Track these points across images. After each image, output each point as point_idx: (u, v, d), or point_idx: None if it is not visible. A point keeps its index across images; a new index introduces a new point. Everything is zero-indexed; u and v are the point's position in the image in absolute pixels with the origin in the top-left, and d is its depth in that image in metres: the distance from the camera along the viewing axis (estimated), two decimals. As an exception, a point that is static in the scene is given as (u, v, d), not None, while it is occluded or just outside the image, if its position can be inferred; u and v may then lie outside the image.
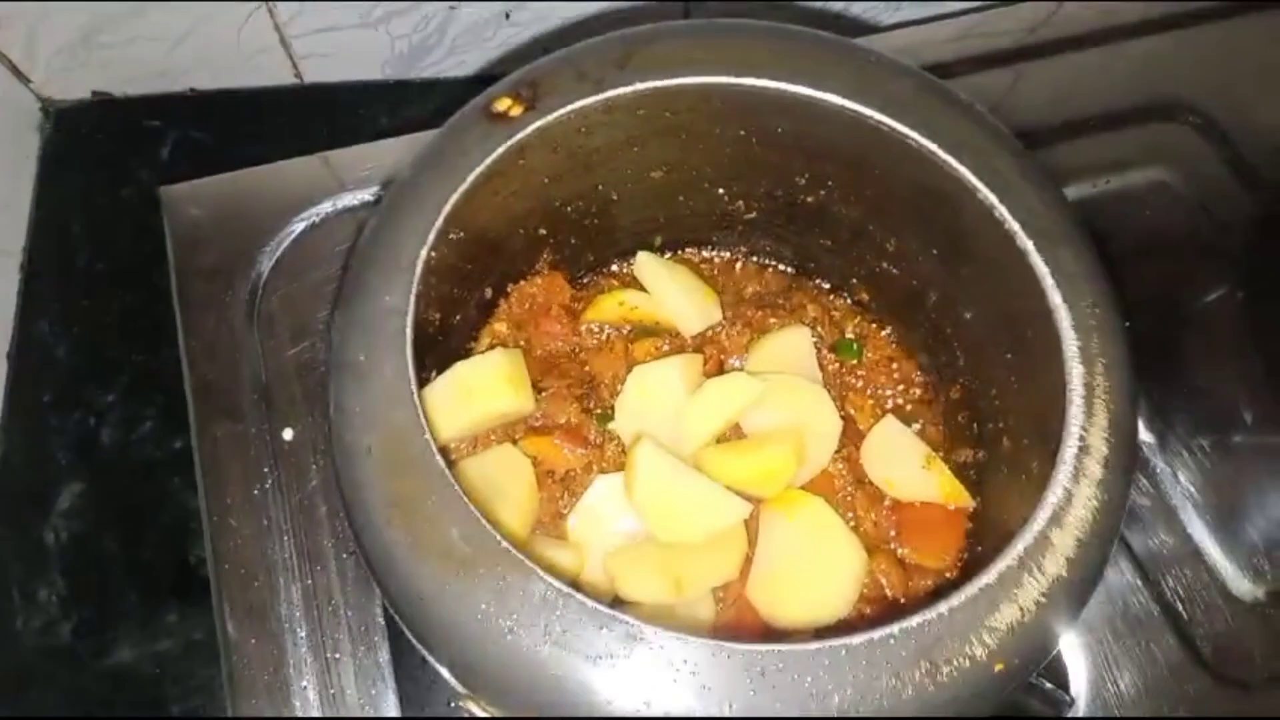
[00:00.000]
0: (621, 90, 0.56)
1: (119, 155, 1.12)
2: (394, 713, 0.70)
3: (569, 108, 0.56)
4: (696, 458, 0.64)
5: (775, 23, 0.59)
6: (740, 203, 0.72)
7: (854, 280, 0.74)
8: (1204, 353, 0.86)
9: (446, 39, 1.11)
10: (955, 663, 0.45)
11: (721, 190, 0.71)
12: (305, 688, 0.71)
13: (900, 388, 0.73)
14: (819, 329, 0.73)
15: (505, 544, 0.46)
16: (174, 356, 0.99)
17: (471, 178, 0.54)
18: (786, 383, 0.67)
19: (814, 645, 0.44)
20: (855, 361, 0.73)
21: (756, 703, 0.44)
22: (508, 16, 1.08)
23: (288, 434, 0.77)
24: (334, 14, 1.05)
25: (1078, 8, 0.96)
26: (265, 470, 0.76)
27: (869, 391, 0.72)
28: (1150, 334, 0.81)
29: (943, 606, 0.46)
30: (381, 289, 0.51)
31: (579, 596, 0.45)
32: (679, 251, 0.77)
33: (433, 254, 0.55)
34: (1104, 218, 0.86)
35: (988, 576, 0.46)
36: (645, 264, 0.73)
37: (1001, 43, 0.96)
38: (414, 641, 0.48)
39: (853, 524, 0.67)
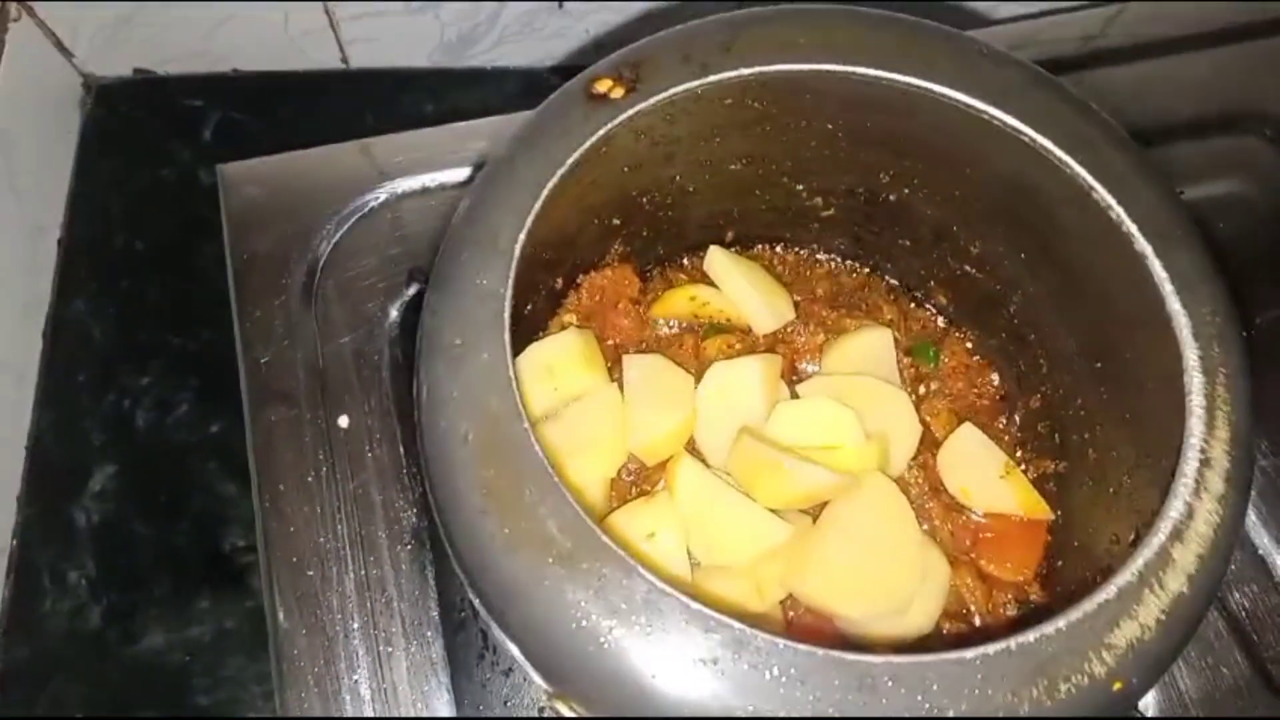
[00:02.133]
0: (727, 74, 0.54)
1: (160, 134, 1.10)
2: (447, 711, 0.68)
3: (673, 90, 0.54)
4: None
5: (880, 10, 0.57)
6: (818, 199, 0.70)
7: (932, 283, 0.72)
8: (1273, 368, 0.84)
9: (497, 28, 1.10)
10: (1073, 680, 0.43)
11: (800, 186, 0.69)
12: (357, 681, 0.69)
13: (977, 395, 0.71)
14: (895, 331, 0.71)
15: (606, 538, 0.44)
16: (211, 340, 0.98)
17: (571, 160, 0.52)
18: (866, 386, 0.65)
19: (929, 657, 0.42)
20: (932, 367, 0.71)
21: (866, 716, 0.42)
22: (561, 5, 1.06)
23: (343, 421, 0.75)
24: (384, -1, 1.04)
25: (1138, 17, 0.94)
26: (320, 457, 0.74)
27: (945, 397, 0.70)
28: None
29: (1060, 621, 0.44)
30: (478, 271, 0.49)
31: (683, 598, 0.43)
32: (751, 247, 0.75)
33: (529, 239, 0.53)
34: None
35: (1106, 592, 0.44)
36: (716, 259, 0.71)
37: (1060, 50, 0.94)
38: (503, 638, 0.47)
39: (928, 533, 0.65)
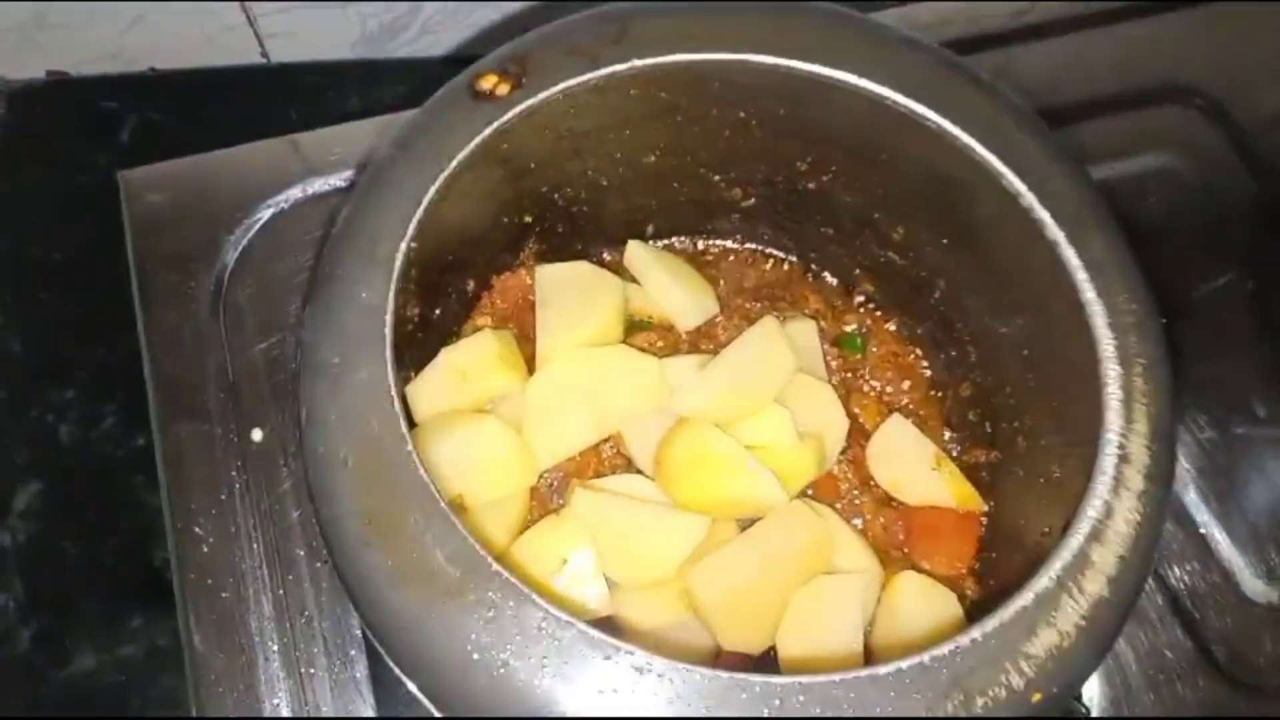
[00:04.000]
0: (617, 68, 0.52)
1: (75, 139, 1.06)
2: (373, 730, 0.66)
3: (560, 86, 0.51)
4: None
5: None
6: (737, 189, 0.68)
7: (857, 271, 0.70)
8: (1211, 342, 0.83)
9: (420, 18, 1.06)
10: (990, 693, 0.41)
11: (718, 176, 0.67)
12: (278, 705, 0.67)
13: (906, 384, 0.69)
14: (821, 322, 0.69)
15: (497, 566, 0.42)
16: (135, 351, 0.95)
17: (455, 163, 0.49)
18: (794, 380, 0.63)
19: (839, 675, 0.41)
20: (859, 356, 0.69)
21: (776, 739, 0.40)
22: (476, -4, 1.03)
23: (256, 434, 0.72)
24: (303, -9, 1.00)
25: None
26: (233, 473, 0.71)
27: (874, 388, 0.68)
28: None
29: (975, 632, 0.42)
30: (357, 284, 0.47)
31: (580, 625, 0.41)
32: (672, 240, 0.73)
33: (413, 245, 0.51)
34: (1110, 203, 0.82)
35: (1023, 599, 0.43)
36: (636, 254, 0.69)
37: (988, 26, 0.92)
38: (398, 672, 0.44)
39: (860, 528, 0.63)
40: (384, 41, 1.08)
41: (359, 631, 0.68)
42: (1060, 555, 0.43)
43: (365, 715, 0.66)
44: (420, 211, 0.48)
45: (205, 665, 0.67)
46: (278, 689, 0.67)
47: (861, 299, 0.71)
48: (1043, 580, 0.43)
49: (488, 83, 0.51)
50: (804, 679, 0.40)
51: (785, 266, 0.72)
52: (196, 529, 0.70)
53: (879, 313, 0.71)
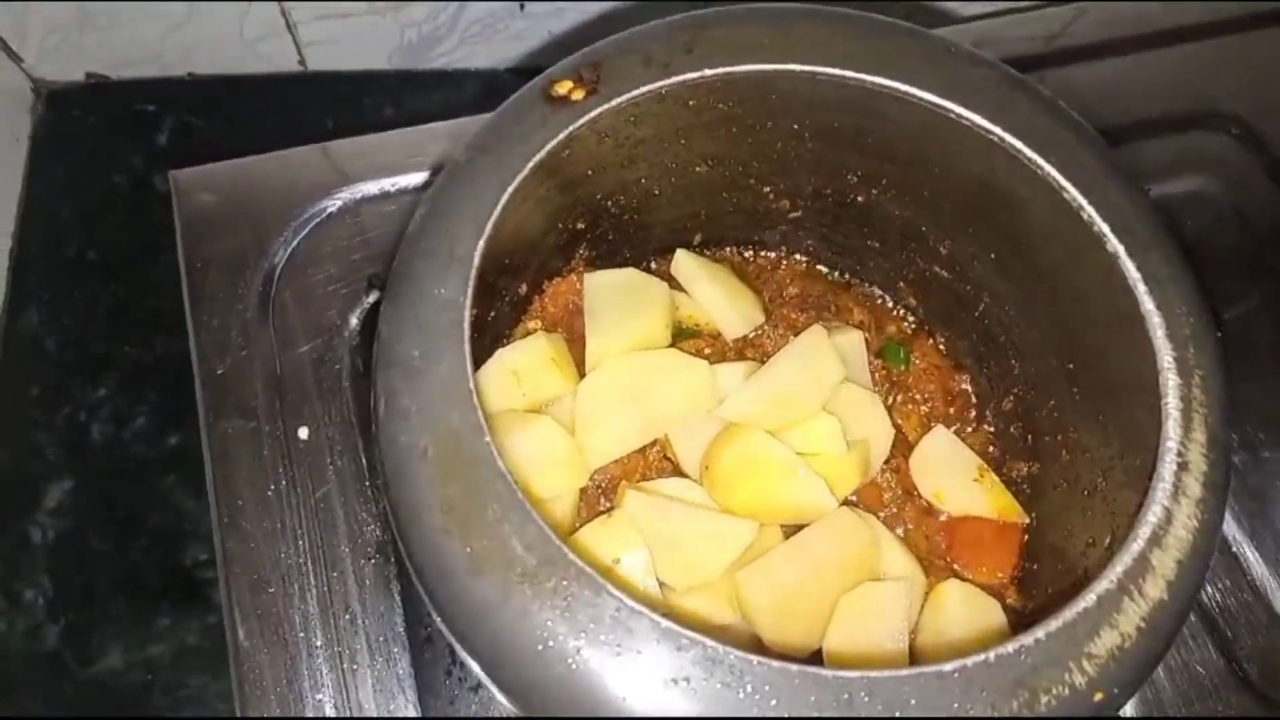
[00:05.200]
0: (689, 75, 0.53)
1: (113, 140, 1.08)
2: (415, 728, 0.67)
3: (635, 92, 0.52)
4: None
5: (846, 9, 0.56)
6: (785, 200, 0.69)
7: (901, 284, 0.71)
8: (1243, 365, 0.84)
9: (458, 29, 1.08)
10: (1054, 691, 0.42)
11: (767, 188, 0.68)
12: (321, 701, 0.67)
13: (949, 397, 0.70)
14: (866, 334, 0.70)
15: (573, 555, 0.43)
16: (167, 351, 0.96)
17: (531, 165, 0.50)
18: (839, 389, 0.64)
19: (906, 672, 0.41)
20: (903, 368, 0.70)
21: (845, 732, 0.41)
22: (522, 8, 1.05)
23: (303, 433, 0.73)
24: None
25: (1102, 15, 0.94)
26: (279, 471, 0.72)
27: (917, 400, 0.69)
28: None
29: (1040, 632, 0.43)
30: (435, 282, 0.48)
31: (653, 615, 0.42)
32: (719, 250, 0.74)
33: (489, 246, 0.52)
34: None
35: (1085, 601, 0.44)
36: (683, 263, 0.70)
37: (1024, 48, 0.93)
38: (467, 660, 0.45)
39: (903, 537, 0.64)
40: (422, 52, 1.10)
41: (402, 628, 0.69)
42: (1122, 559, 0.44)
43: (408, 715, 0.67)
44: (496, 212, 0.49)
45: (250, 660, 0.67)
46: (321, 684, 0.67)
47: (905, 312, 0.72)
48: (1104, 583, 0.44)
49: (563, 88, 0.52)
50: (873, 673, 0.41)
51: (831, 278, 0.74)
52: (243, 525, 0.70)
53: (923, 326, 0.72)
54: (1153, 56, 0.92)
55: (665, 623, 0.42)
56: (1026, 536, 0.64)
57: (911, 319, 0.72)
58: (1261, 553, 0.76)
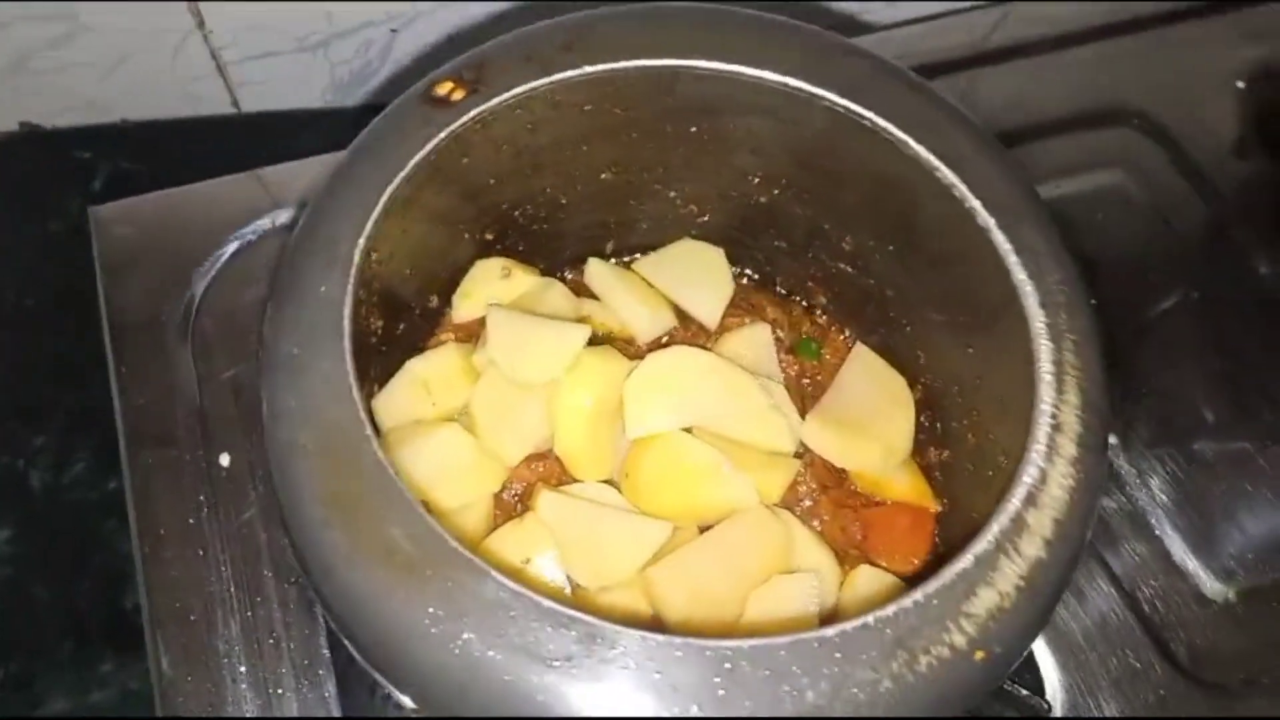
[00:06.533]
0: (569, 73, 0.54)
1: (48, 188, 1.08)
2: (341, 751, 0.66)
3: (513, 91, 0.53)
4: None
5: (727, 5, 0.57)
6: (693, 205, 0.70)
7: (810, 283, 0.72)
8: (1162, 356, 0.85)
9: (388, 64, 1.09)
10: (934, 652, 0.42)
11: (673, 193, 0.69)
12: (245, 727, 0.66)
13: (861, 389, 0.70)
14: (778, 331, 0.70)
15: (454, 543, 0.43)
16: (107, 395, 0.96)
17: (412, 164, 0.51)
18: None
19: (785, 638, 0.42)
20: (815, 362, 0.71)
21: (727, 701, 0.41)
22: (451, 41, 1.06)
23: (224, 459, 0.73)
24: (272, 40, 1.03)
25: (1028, 14, 0.96)
26: (201, 498, 0.72)
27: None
28: (1107, 337, 0.81)
29: (918, 594, 0.43)
30: (317, 280, 0.48)
31: (534, 596, 0.42)
32: (632, 257, 0.75)
33: (374, 253, 0.52)
34: (1059, 221, 0.86)
35: (963, 561, 0.44)
36: (596, 271, 0.71)
37: (953, 51, 0.96)
38: (356, 655, 0.45)
39: (818, 530, 0.65)
40: (355, 88, 1.11)
41: (327, 651, 0.69)
42: (998, 519, 0.45)
43: (333, 733, 0.66)
44: (377, 210, 0.50)
45: (174, 689, 0.67)
46: (246, 710, 0.67)
47: (817, 310, 0.73)
48: (981, 543, 0.44)
49: (443, 89, 0.53)
50: (753, 642, 0.41)
51: (744, 280, 0.74)
52: (165, 553, 0.70)
53: (833, 322, 0.73)
54: (1064, 57, 0.94)
55: (546, 603, 0.42)
56: (938, 524, 0.65)
57: (822, 316, 0.73)
58: (1188, 539, 0.76)
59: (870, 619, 0.42)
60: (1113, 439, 0.74)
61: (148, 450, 0.73)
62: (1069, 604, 0.74)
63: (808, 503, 0.66)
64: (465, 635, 0.42)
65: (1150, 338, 0.86)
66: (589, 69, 0.54)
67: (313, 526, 0.44)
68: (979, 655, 0.43)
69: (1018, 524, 0.45)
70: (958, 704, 0.44)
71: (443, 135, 0.52)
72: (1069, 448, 0.47)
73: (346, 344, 0.46)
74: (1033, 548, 0.44)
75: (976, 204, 0.52)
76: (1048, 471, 0.46)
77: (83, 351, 0.99)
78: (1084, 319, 0.50)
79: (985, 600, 0.43)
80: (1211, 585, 0.76)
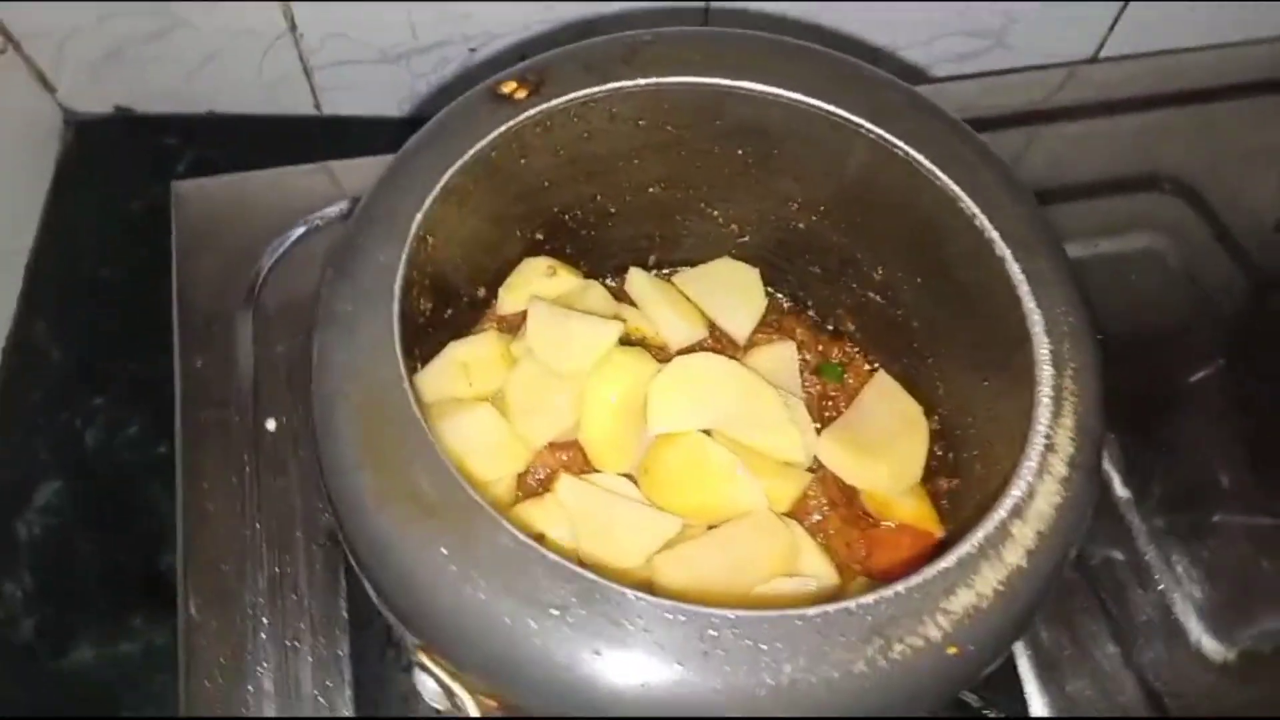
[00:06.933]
0: (624, 83, 0.58)
1: (134, 170, 1.14)
2: (348, 706, 0.70)
3: (571, 95, 0.58)
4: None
5: (782, 37, 0.61)
6: (734, 226, 0.74)
7: (840, 310, 0.75)
8: (1187, 420, 0.87)
9: (465, 80, 1.14)
10: (908, 641, 0.45)
11: (716, 212, 0.73)
12: (260, 674, 0.70)
13: (881, 415, 0.73)
14: (805, 354, 0.74)
15: (474, 494, 0.46)
16: (166, 369, 1.00)
17: (471, 152, 0.55)
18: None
19: (771, 613, 0.44)
20: (838, 385, 0.73)
21: (707, 663, 0.43)
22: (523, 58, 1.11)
23: (270, 424, 0.78)
24: (357, 49, 1.09)
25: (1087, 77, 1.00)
26: (245, 458, 0.76)
27: (847, 415, 0.73)
28: (1131, 395, 0.83)
29: (899, 586, 0.46)
30: (375, 249, 0.52)
31: (542, 550, 0.45)
32: (673, 272, 0.78)
33: (430, 237, 0.57)
34: (1094, 278, 0.88)
35: (945, 561, 0.46)
36: (636, 280, 0.75)
37: (1017, 104, 1.00)
38: (370, 590, 0.48)
39: (823, 543, 0.67)
40: (431, 101, 1.16)
41: (345, 613, 0.72)
42: (984, 526, 0.47)
43: (343, 692, 0.70)
44: (436, 189, 0.54)
45: (199, 631, 0.71)
46: (263, 658, 0.70)
47: (844, 335, 0.76)
48: (965, 547, 0.47)
49: (507, 88, 0.57)
50: (739, 612, 0.44)
51: (777, 302, 0.78)
52: (205, 505, 0.75)
53: (858, 350, 0.76)
54: (1115, 122, 0.97)
55: (551, 557, 0.45)
56: (943, 548, 0.67)
57: (849, 343, 0.76)
58: (1192, 596, 0.78)
59: (853, 604, 0.45)
60: (1125, 492, 0.77)
61: (201, 409, 0.77)
62: (1066, 648, 0.75)
63: (816, 517, 0.68)
64: (474, 578, 0.45)
65: (1173, 398, 0.88)
66: (642, 80, 0.58)
67: (346, 469, 0.47)
68: (952, 650, 0.45)
69: (1002, 533, 0.47)
70: (929, 697, 0.46)
71: (503, 129, 0.56)
72: (1060, 467, 0.49)
73: (395, 307, 0.50)
74: (1014, 556, 0.47)
75: (995, 234, 0.55)
76: (1036, 487, 0.49)
77: (149, 325, 1.04)
78: (1087, 348, 0.52)
79: (963, 599, 0.46)
80: (1213, 646, 0.77)
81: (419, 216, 0.53)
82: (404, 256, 0.52)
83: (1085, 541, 0.75)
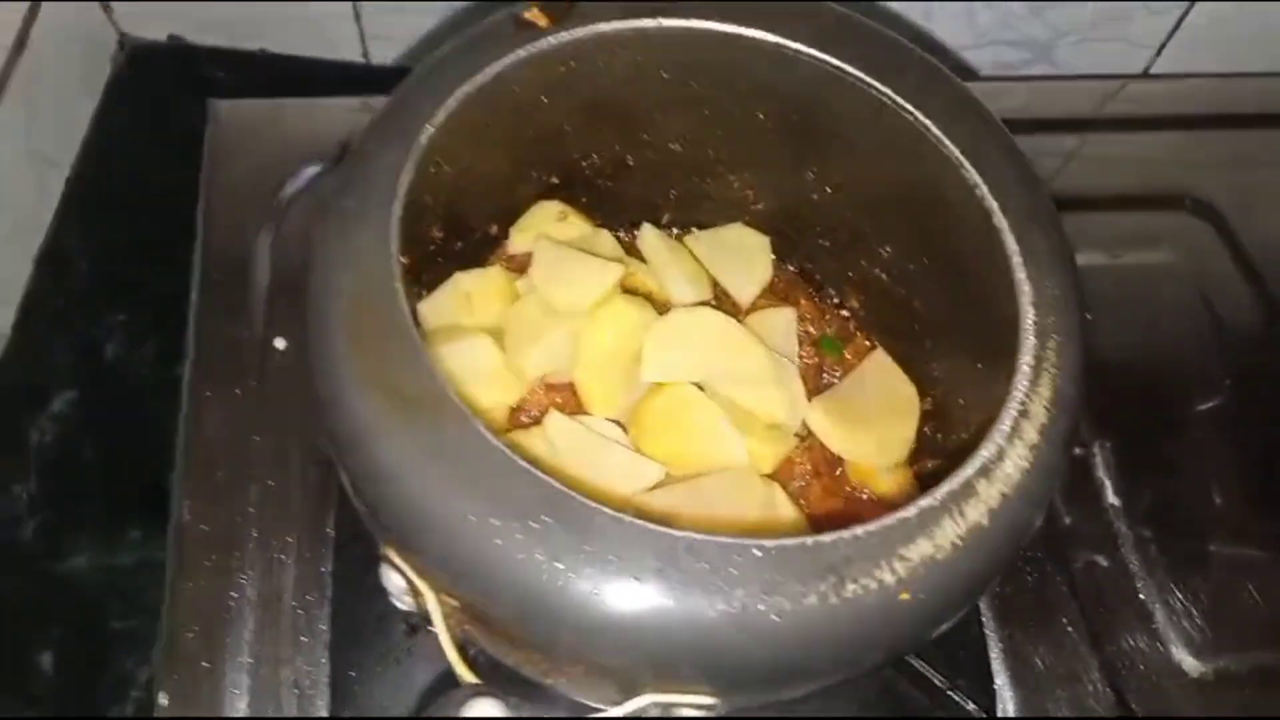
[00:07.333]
0: (646, 22, 0.59)
1: (181, 98, 1.16)
2: (325, 625, 0.71)
3: (593, 28, 0.59)
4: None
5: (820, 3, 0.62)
6: (749, 192, 0.74)
7: (845, 285, 0.75)
8: (1182, 436, 0.87)
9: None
10: (861, 581, 0.45)
11: (733, 177, 0.74)
12: (244, 582, 0.71)
13: (876, 392, 0.73)
14: (807, 326, 0.74)
15: (450, 393, 0.47)
16: (188, 288, 1.03)
17: (486, 71, 0.56)
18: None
19: (729, 539, 0.45)
20: (836, 360, 0.74)
21: (660, 578, 0.44)
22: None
23: (279, 343, 0.79)
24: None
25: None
26: (250, 373, 0.78)
27: (839, 386, 0.73)
28: (1131, 405, 0.83)
29: (858, 529, 0.46)
30: (384, 153, 0.54)
31: (510, 454, 0.46)
32: (685, 232, 0.79)
33: (444, 162, 0.58)
34: (1112, 287, 0.88)
35: (907, 511, 0.47)
36: (648, 236, 0.75)
37: (1073, 109, 1.01)
38: (349, 489, 0.50)
39: (803, 509, 0.67)
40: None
41: (332, 531, 0.73)
42: (949, 482, 0.48)
43: (321, 608, 0.71)
44: (450, 102, 0.55)
45: (189, 533, 0.72)
46: (248, 567, 0.72)
47: (846, 311, 0.77)
48: (928, 500, 0.47)
49: (530, 14, 0.58)
50: (698, 535, 0.45)
51: (784, 271, 0.78)
52: (207, 414, 0.76)
53: (860, 327, 0.76)
54: (1153, 138, 0.97)
55: (520, 461, 0.46)
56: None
57: (851, 319, 0.76)
58: (1173, 615, 0.78)
59: (809, 541, 0.45)
60: (1115, 500, 0.77)
61: (214, 321, 0.79)
62: (1039, 651, 0.75)
63: (799, 483, 0.69)
64: (441, 473, 0.46)
65: (1178, 416, 0.87)
66: (665, 22, 0.59)
67: (333, 357, 0.49)
68: (904, 596, 0.45)
69: (966, 490, 0.48)
70: (880, 641, 0.47)
71: (522, 53, 0.57)
72: (1031, 434, 0.49)
73: (396, 208, 0.51)
74: (976, 513, 0.47)
75: (994, 204, 0.55)
76: (1006, 450, 0.49)
77: (179, 247, 1.06)
78: (1072, 322, 0.53)
79: (921, 549, 0.46)
80: (1188, 661, 0.76)
81: (428, 126, 0.54)
82: (412, 162, 0.53)
83: (1072, 544, 0.76)
